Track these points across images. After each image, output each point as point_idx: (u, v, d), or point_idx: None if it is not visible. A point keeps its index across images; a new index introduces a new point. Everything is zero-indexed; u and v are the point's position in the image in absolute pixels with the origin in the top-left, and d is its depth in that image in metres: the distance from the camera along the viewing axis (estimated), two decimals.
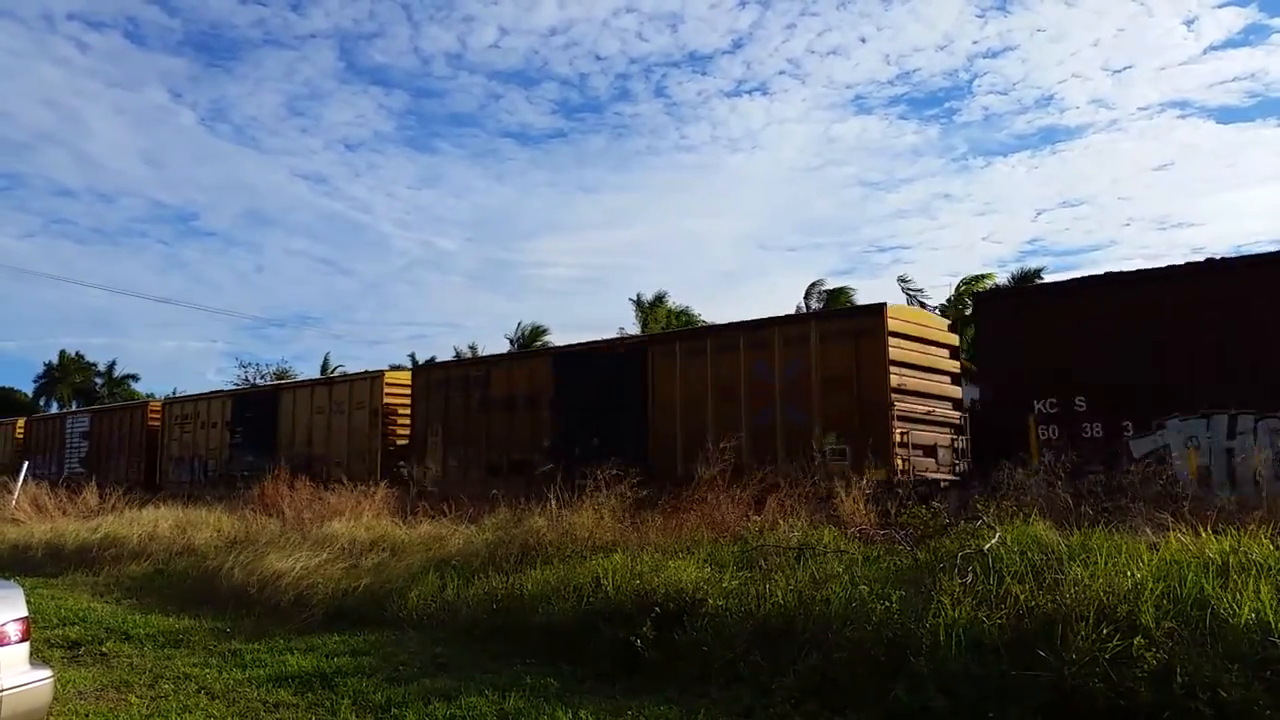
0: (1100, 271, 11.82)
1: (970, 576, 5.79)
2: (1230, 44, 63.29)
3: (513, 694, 5.86)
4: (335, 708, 5.87)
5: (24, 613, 4.70)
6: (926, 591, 5.72)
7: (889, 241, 72.04)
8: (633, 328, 33.14)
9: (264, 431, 22.02)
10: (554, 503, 9.75)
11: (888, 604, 5.62)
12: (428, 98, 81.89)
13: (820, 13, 71.05)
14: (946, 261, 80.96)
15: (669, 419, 14.35)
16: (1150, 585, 5.14)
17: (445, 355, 38.29)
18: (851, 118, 74.21)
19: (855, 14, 70.30)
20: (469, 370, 18.51)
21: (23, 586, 5.19)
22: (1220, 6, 62.00)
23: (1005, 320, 12.24)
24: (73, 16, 73.28)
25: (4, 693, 4.38)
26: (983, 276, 28.84)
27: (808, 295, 31.61)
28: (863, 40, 70.50)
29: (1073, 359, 11.22)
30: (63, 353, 52.51)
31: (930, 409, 12.88)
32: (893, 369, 12.29)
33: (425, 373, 19.57)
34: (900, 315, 13.17)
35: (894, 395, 12.16)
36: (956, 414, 13.40)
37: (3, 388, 53.40)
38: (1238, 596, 4.89)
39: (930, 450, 12.70)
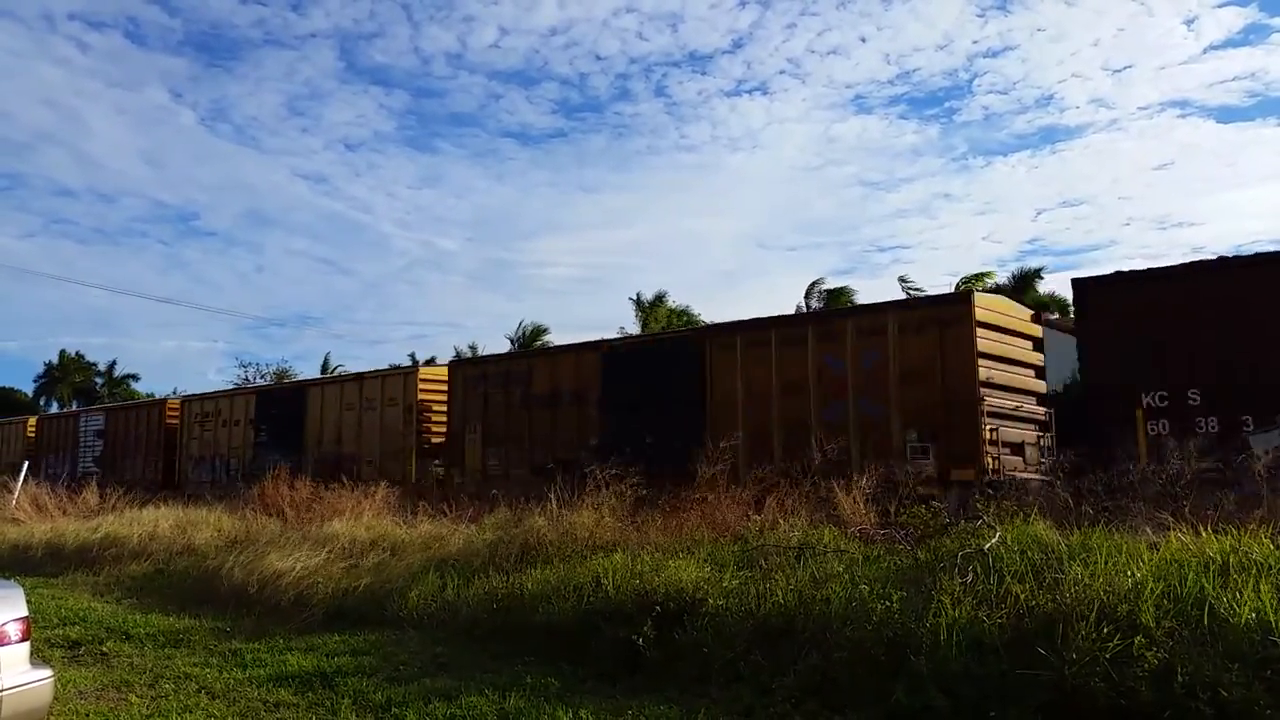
0: (1192, 260, 11.22)
1: (970, 576, 5.79)
2: (1230, 43, 63.36)
3: (513, 694, 5.86)
4: (336, 707, 5.87)
5: (24, 612, 4.70)
6: (927, 591, 5.72)
7: (889, 241, 72.10)
8: (633, 327, 33.17)
9: (290, 429, 21.25)
10: (554, 502, 9.76)
11: (888, 603, 5.62)
12: (428, 98, 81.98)
13: (820, 12, 71.09)
14: (947, 261, 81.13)
15: (729, 415, 13.57)
16: (1151, 585, 5.14)
17: (446, 355, 38.38)
18: (851, 117, 74.26)
19: (855, 13, 70.34)
20: (509, 365, 17.63)
21: (23, 586, 5.19)
22: (1220, 6, 62.05)
23: (1111, 308, 11.41)
24: (73, 16, 73.36)
25: (4, 692, 4.38)
26: (982, 275, 28.91)
27: (808, 295, 31.66)
28: (863, 40, 70.54)
29: (1186, 349, 10.55)
30: (63, 353, 52.67)
31: (1018, 404, 12.17)
32: (981, 362, 11.60)
33: (462, 368, 18.75)
34: (988, 304, 12.38)
35: (983, 389, 11.48)
36: (1042, 410, 12.69)
37: (3, 388, 53.41)
38: (1238, 596, 4.88)
39: (1018, 448, 11.98)
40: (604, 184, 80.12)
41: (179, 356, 74.98)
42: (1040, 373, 12.91)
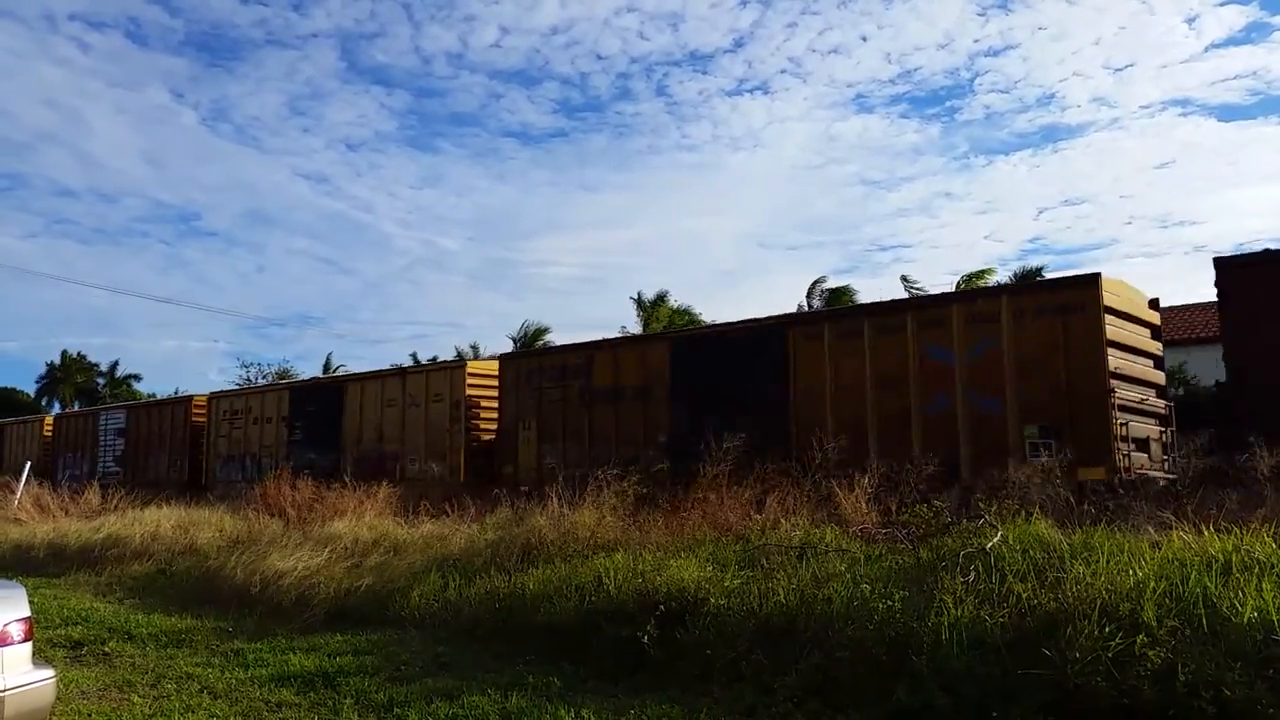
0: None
1: (972, 575, 5.79)
2: (1231, 42, 63.28)
3: (515, 693, 5.86)
4: (338, 707, 5.87)
5: (27, 613, 4.71)
6: (929, 590, 5.72)
7: (890, 240, 72.10)
8: (634, 327, 33.14)
9: (327, 427, 20.42)
10: (556, 502, 9.76)
11: (890, 603, 5.61)
12: (429, 97, 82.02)
13: (821, 11, 71.05)
14: (948, 260, 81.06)
15: (816, 409, 12.71)
16: (1153, 584, 5.13)
17: (446, 355, 38.38)
18: (853, 116, 74.23)
19: (856, 12, 70.30)
20: (566, 358, 16.60)
21: (25, 586, 5.19)
22: (1221, 4, 61.98)
23: (1263, 289, 10.59)
24: (74, 17, 73.41)
25: (7, 693, 4.39)
26: (984, 272, 28.95)
27: (810, 294, 31.65)
28: (864, 39, 70.50)
29: None
30: (64, 353, 52.69)
31: (1142, 397, 11.42)
32: (1110, 351, 10.78)
33: (515, 362, 17.80)
34: (1113, 288, 11.28)
35: (1112, 380, 10.65)
36: (1162, 403, 11.90)
37: (4, 388, 53.45)
38: (1240, 595, 4.87)
39: (1143, 444, 11.19)
40: (605, 183, 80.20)
41: (179, 356, 75.15)
42: (1159, 363, 12.17)
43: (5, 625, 4.53)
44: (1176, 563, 5.52)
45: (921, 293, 26.65)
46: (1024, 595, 5.33)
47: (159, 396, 30.06)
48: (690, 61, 75.33)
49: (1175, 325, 20.58)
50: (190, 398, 25.76)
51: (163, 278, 78.51)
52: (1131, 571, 5.37)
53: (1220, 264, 11.30)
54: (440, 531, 10.51)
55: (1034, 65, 67.12)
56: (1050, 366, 11.01)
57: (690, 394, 14.32)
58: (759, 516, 8.93)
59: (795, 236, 72.64)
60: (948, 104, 75.14)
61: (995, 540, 6.22)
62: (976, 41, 67.80)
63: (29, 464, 23.76)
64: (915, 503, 7.92)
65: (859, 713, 5.07)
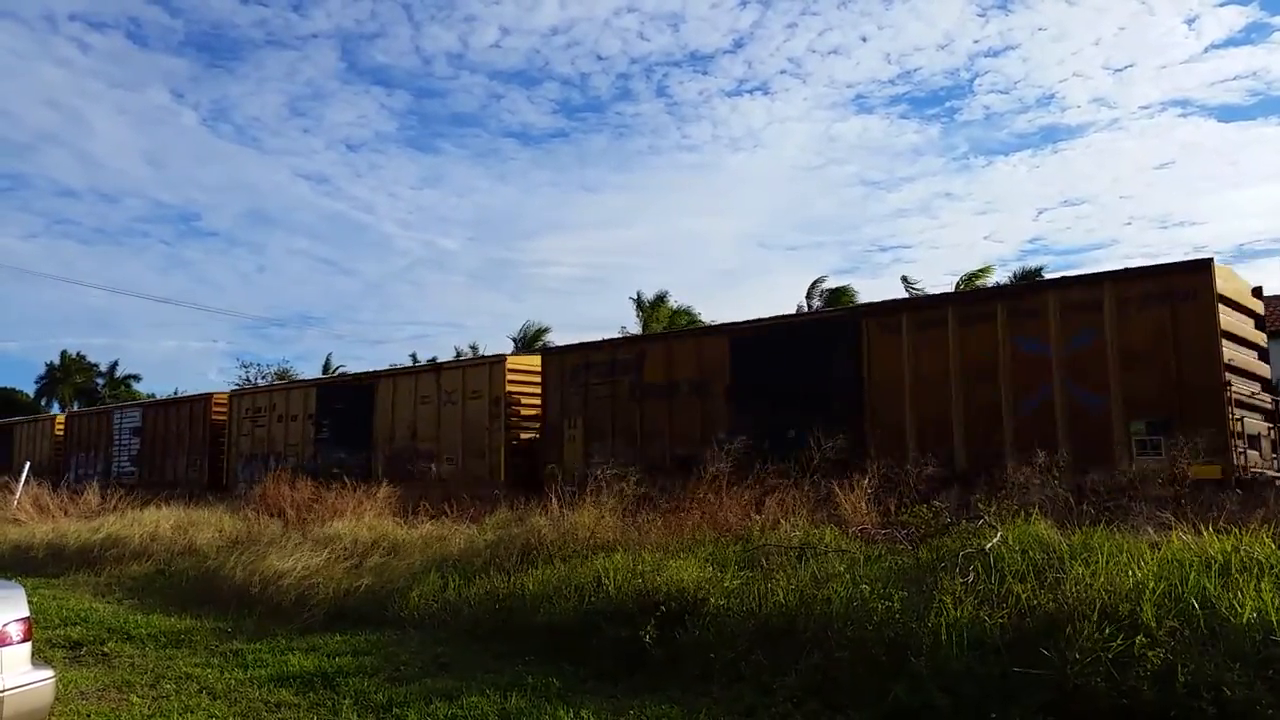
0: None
1: (972, 576, 5.79)
2: (1231, 42, 63.31)
3: (514, 693, 5.86)
4: (337, 707, 5.87)
5: (26, 613, 4.71)
6: (928, 591, 5.71)
7: (890, 240, 72.11)
8: (634, 327, 33.15)
9: (357, 425, 19.83)
10: (555, 502, 9.76)
11: (889, 603, 5.61)
12: (429, 98, 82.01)
13: (821, 12, 71.07)
14: (948, 260, 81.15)
15: (893, 405, 12.12)
16: (1152, 584, 5.14)
17: (447, 355, 38.39)
18: (852, 117, 74.25)
19: (856, 13, 70.32)
20: (616, 353, 15.89)
21: (24, 587, 5.19)
22: (1221, 5, 62.02)
23: None
24: (75, 17, 73.38)
25: (6, 693, 4.39)
26: (982, 271, 29.04)
27: (809, 294, 31.68)
28: (864, 39, 70.52)
29: None
30: (64, 353, 52.65)
31: (1253, 390, 10.85)
32: (1225, 343, 10.21)
33: (560, 356, 17.03)
34: (1223, 275, 10.65)
35: (1227, 374, 10.12)
36: (1269, 397, 11.30)
37: (4, 388, 53.44)
38: (1240, 595, 4.88)
39: (1254, 441, 10.60)
40: (605, 184, 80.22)
41: (179, 356, 75.14)
42: (1264, 354, 11.53)
43: (4, 625, 4.53)
44: (1176, 563, 5.53)
45: (921, 293, 26.71)
46: (1023, 596, 5.33)
47: (176, 395, 29.08)
48: (690, 62, 75.44)
49: None
50: (210, 395, 25.06)
51: (163, 278, 78.57)
52: (1131, 572, 5.38)
53: None
54: (439, 532, 10.51)
55: (1034, 66, 67.23)
56: (1158, 358, 10.38)
57: (753, 390, 13.64)
58: (758, 516, 8.94)
59: (795, 237, 72.74)
60: (947, 104, 75.28)
61: (995, 541, 6.22)
62: (976, 42, 67.92)
63: (28, 464, 23.75)
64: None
65: (858, 713, 5.07)
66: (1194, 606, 4.90)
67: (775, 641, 5.90)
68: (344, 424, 20.38)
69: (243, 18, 75.66)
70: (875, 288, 74.24)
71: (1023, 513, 6.96)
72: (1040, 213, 67.49)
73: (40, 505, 18.18)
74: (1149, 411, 10.36)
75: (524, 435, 17.32)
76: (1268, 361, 11.63)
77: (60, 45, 71.57)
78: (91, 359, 53.48)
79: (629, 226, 75.65)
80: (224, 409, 23.73)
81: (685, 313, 34.00)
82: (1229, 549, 5.59)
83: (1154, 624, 4.74)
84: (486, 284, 77.86)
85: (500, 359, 17.82)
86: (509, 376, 17.35)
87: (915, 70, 70.57)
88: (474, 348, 37.95)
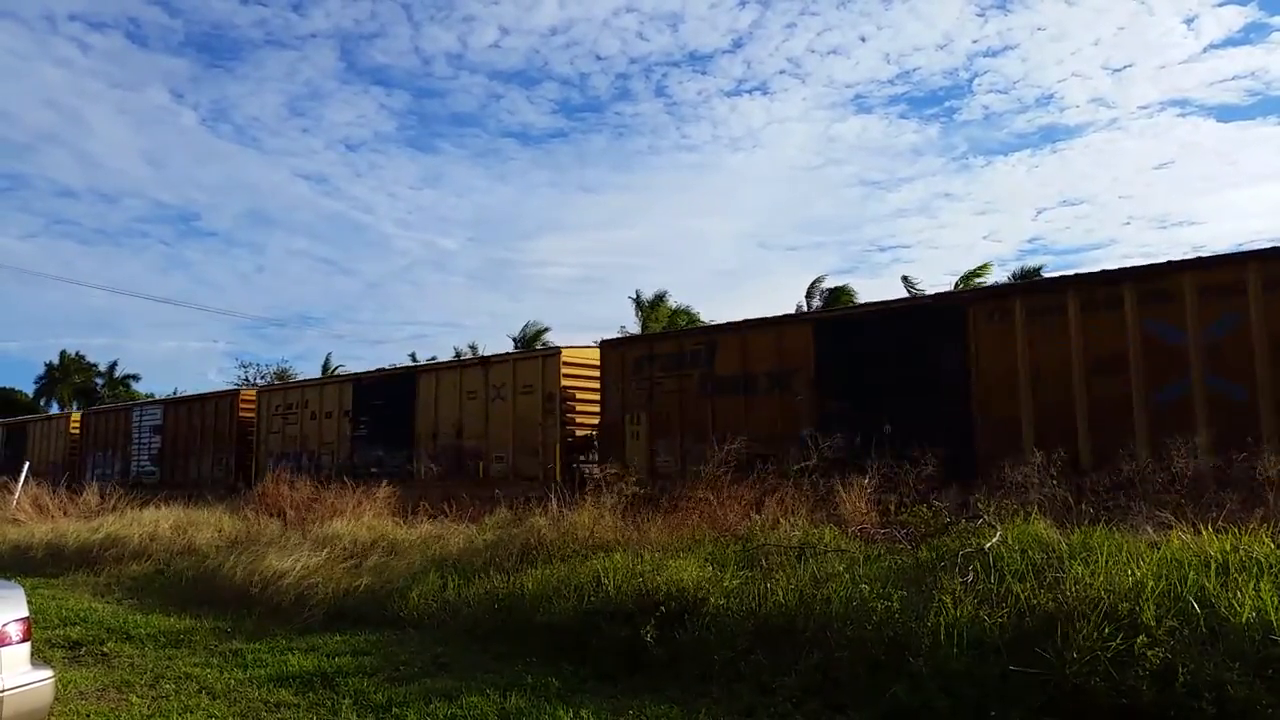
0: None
1: (971, 575, 5.79)
2: (1230, 42, 63.31)
3: (514, 693, 5.86)
4: (336, 707, 5.87)
5: (25, 613, 4.71)
6: (927, 590, 5.72)
7: (889, 240, 72.09)
8: (633, 327, 33.16)
9: (397, 421, 18.93)
10: (555, 502, 9.76)
11: (889, 603, 5.62)
12: (429, 98, 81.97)
13: (820, 12, 71.07)
14: (947, 260, 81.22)
15: (1005, 398, 11.22)
16: (1151, 584, 5.14)
17: (446, 355, 38.37)
18: (852, 117, 74.26)
19: (855, 13, 70.33)
20: (684, 344, 14.92)
21: (24, 587, 5.19)
22: (1220, 5, 62.01)
23: None
24: (74, 17, 73.35)
25: (5, 693, 4.38)
26: (981, 269, 29.16)
27: (809, 294, 31.68)
28: (863, 39, 70.52)
29: None
30: (63, 353, 52.59)
31: None
32: None
33: (621, 349, 15.95)
34: None
35: None
36: None
37: (3, 388, 53.43)
38: (1239, 595, 4.88)
39: None
40: (605, 184, 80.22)
41: (179, 356, 75.07)
42: None
43: (4, 625, 4.52)
44: (1175, 563, 5.54)
45: (921, 293, 26.72)
46: (1023, 595, 5.34)
47: (201, 392, 28.12)
48: (689, 62, 75.44)
49: None
50: (237, 391, 24.29)
51: (163, 278, 78.50)
52: (1130, 572, 5.38)
53: None
54: (439, 532, 10.51)
55: (1033, 66, 67.23)
56: None
57: (842, 382, 12.81)
58: (758, 516, 8.94)
59: (795, 237, 72.71)
60: (946, 104, 75.25)
61: (994, 540, 6.22)
62: (975, 42, 67.90)
63: (27, 465, 23.71)
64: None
65: (858, 713, 5.07)
66: (1193, 606, 4.91)
67: (775, 641, 5.91)
68: (383, 421, 19.46)
69: (242, 18, 75.72)
70: (875, 288, 74.09)
71: (1022, 512, 6.95)
72: (1039, 212, 67.51)
73: (39, 505, 18.17)
74: None
75: (578, 433, 16.50)
76: None
77: (60, 45, 71.62)
78: (91, 359, 53.48)
79: (628, 227, 75.74)
80: (251, 405, 22.90)
81: (684, 313, 34.02)
82: (1228, 548, 5.60)
83: (1153, 623, 4.74)
84: (486, 284, 77.92)
85: (555, 351, 16.94)
86: (564, 370, 16.36)
87: (914, 70, 70.65)
88: (473, 348, 37.96)
